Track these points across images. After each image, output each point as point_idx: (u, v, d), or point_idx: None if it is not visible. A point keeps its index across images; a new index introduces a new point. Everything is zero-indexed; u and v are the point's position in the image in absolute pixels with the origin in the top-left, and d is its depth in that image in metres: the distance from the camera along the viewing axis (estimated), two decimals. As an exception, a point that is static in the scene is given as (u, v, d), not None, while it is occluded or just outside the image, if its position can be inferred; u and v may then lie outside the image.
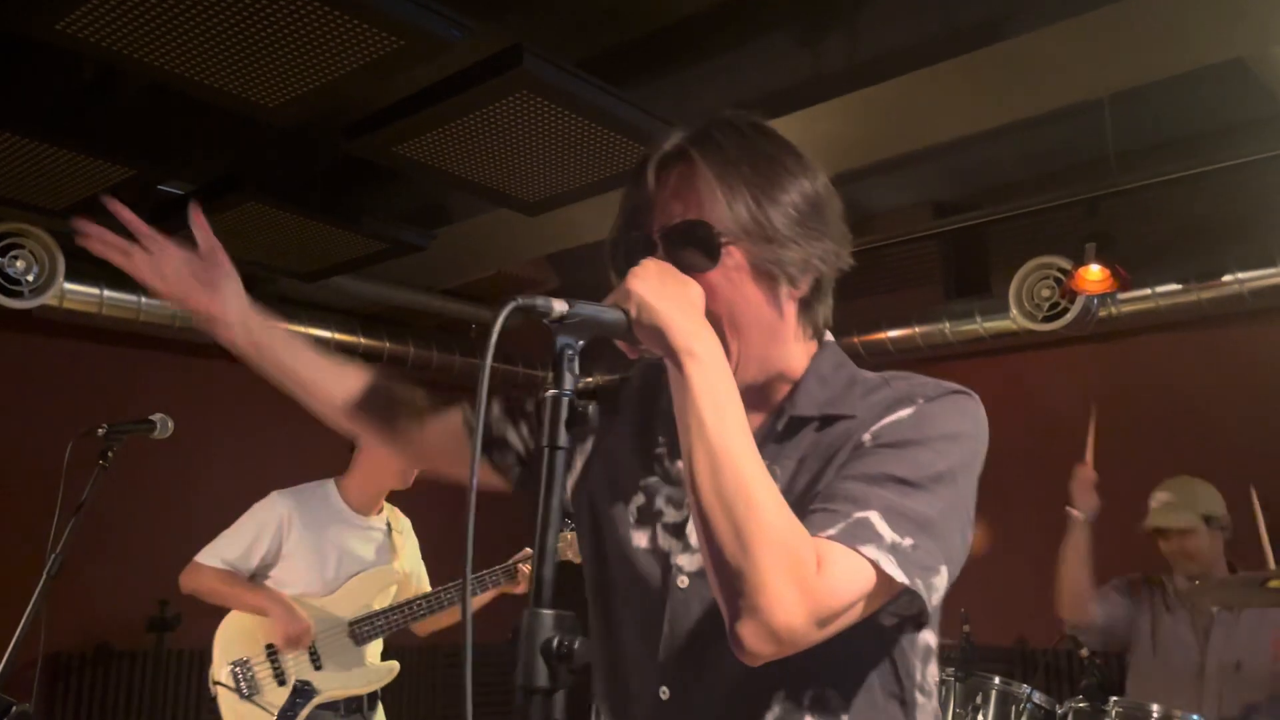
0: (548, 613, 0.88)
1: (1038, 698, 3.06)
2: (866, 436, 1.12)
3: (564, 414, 0.95)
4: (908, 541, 1.04)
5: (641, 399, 1.32)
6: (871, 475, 1.08)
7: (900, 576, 1.02)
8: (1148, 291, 4.38)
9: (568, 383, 0.96)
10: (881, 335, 5.05)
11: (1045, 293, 4.43)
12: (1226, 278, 4.18)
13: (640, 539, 1.23)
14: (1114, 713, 2.90)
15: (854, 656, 1.16)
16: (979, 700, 3.07)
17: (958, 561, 1.10)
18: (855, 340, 5.03)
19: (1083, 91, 3.26)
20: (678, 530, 1.21)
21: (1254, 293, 4.18)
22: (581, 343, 0.99)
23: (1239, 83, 3.32)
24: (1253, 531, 3.31)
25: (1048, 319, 4.46)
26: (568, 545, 3.34)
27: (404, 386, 1.42)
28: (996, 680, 3.11)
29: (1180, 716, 2.89)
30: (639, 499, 1.25)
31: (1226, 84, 3.36)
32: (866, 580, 1.02)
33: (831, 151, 3.57)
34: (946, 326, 4.87)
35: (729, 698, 1.14)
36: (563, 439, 0.95)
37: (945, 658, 3.31)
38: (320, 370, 1.38)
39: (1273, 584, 2.88)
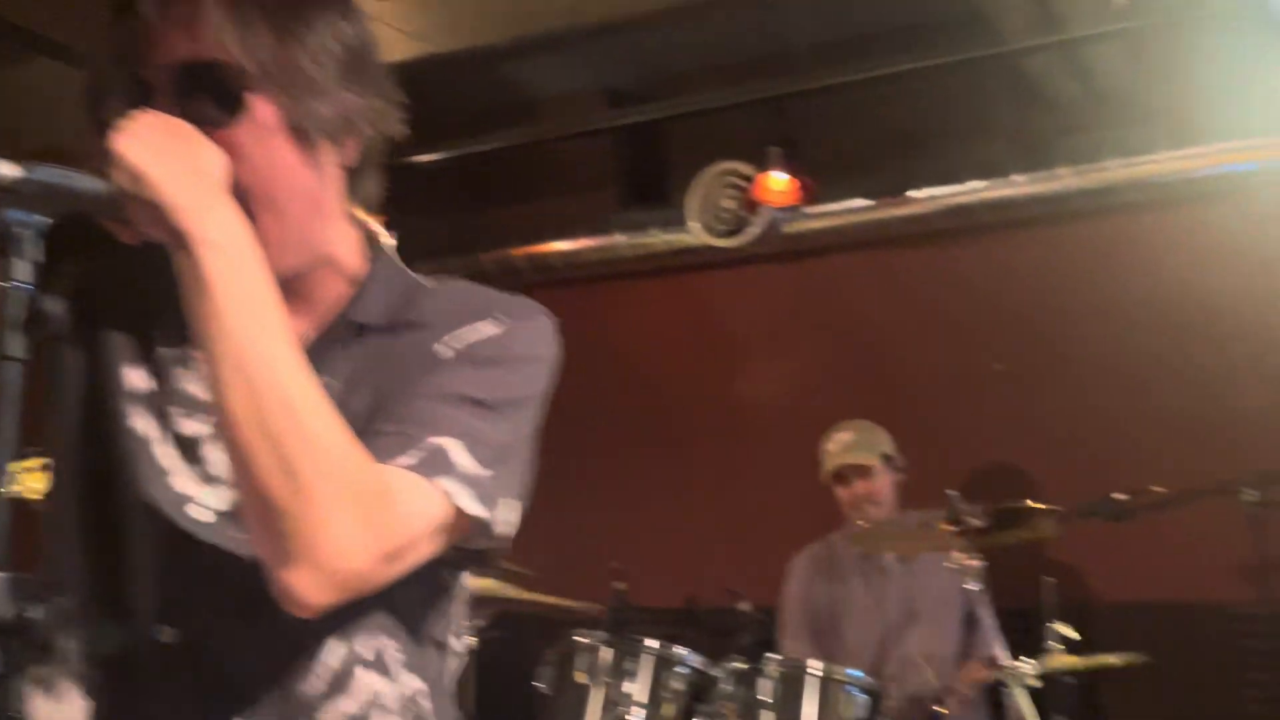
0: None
1: (694, 660, 3.32)
2: (442, 349, 1.15)
3: (19, 313, 0.91)
4: (486, 473, 1.10)
5: (136, 291, 1.23)
6: (449, 395, 1.12)
7: (479, 511, 1.09)
8: (836, 207, 4.77)
9: (22, 272, 0.91)
10: (546, 248, 5.15)
11: (727, 204, 4.72)
12: (916, 194, 4.65)
13: (147, 466, 1.18)
14: (773, 671, 3.21)
15: (411, 601, 1.20)
16: (629, 666, 3.28)
17: (527, 494, 1.19)
18: (514, 253, 5.09)
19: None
20: (191, 455, 1.18)
21: (945, 211, 4.67)
22: (46, 220, 0.93)
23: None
24: (927, 479, 3.78)
25: (730, 234, 4.75)
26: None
27: None
28: (649, 643, 3.32)
29: (842, 673, 3.28)
30: (142, 419, 1.20)
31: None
32: (443, 515, 1.07)
33: (481, 18, 3.57)
34: (621, 240, 5.05)
35: (263, 649, 1.14)
36: (17, 346, 0.91)
37: (593, 621, 3.53)
38: None
39: (942, 525, 3.31)
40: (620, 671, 3.27)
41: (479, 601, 3.92)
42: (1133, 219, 4.49)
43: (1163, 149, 4.28)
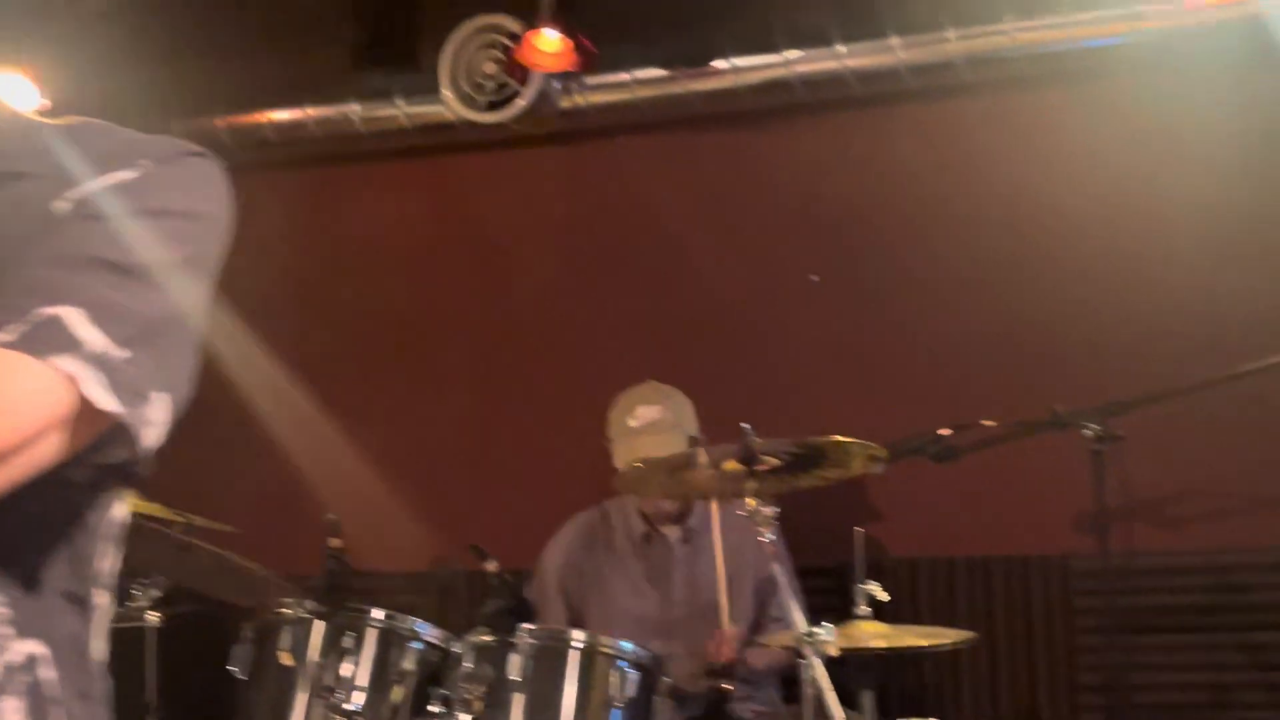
0: None
1: (430, 634, 3.31)
2: (63, 203, 1.12)
3: None
4: (123, 354, 1.06)
5: None
6: (72, 257, 1.09)
7: (110, 402, 1.04)
8: (624, 77, 4.78)
9: None
10: (258, 117, 5.06)
11: (489, 68, 4.68)
12: (720, 64, 4.68)
13: None
14: (526, 644, 3.21)
15: (17, 536, 1.15)
16: (349, 642, 3.26)
17: (183, 392, 1.15)
18: (216, 123, 4.98)
19: None
20: None
21: (754, 86, 4.70)
22: None
23: None
24: (720, 409, 3.82)
25: (492, 106, 4.70)
26: None
27: None
28: (374, 615, 3.32)
29: (610, 644, 3.32)
30: None
31: None
32: (61, 406, 1.03)
33: None
34: (356, 110, 4.97)
35: None
36: None
37: (305, 586, 3.48)
38: None
39: (729, 465, 3.34)
40: (336, 650, 3.30)
41: (162, 564, 3.82)
42: (973, 101, 4.59)
43: (1010, 18, 4.37)
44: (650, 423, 3.98)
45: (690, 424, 4.01)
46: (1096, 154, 4.46)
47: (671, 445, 3.85)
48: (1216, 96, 4.33)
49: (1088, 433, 3.67)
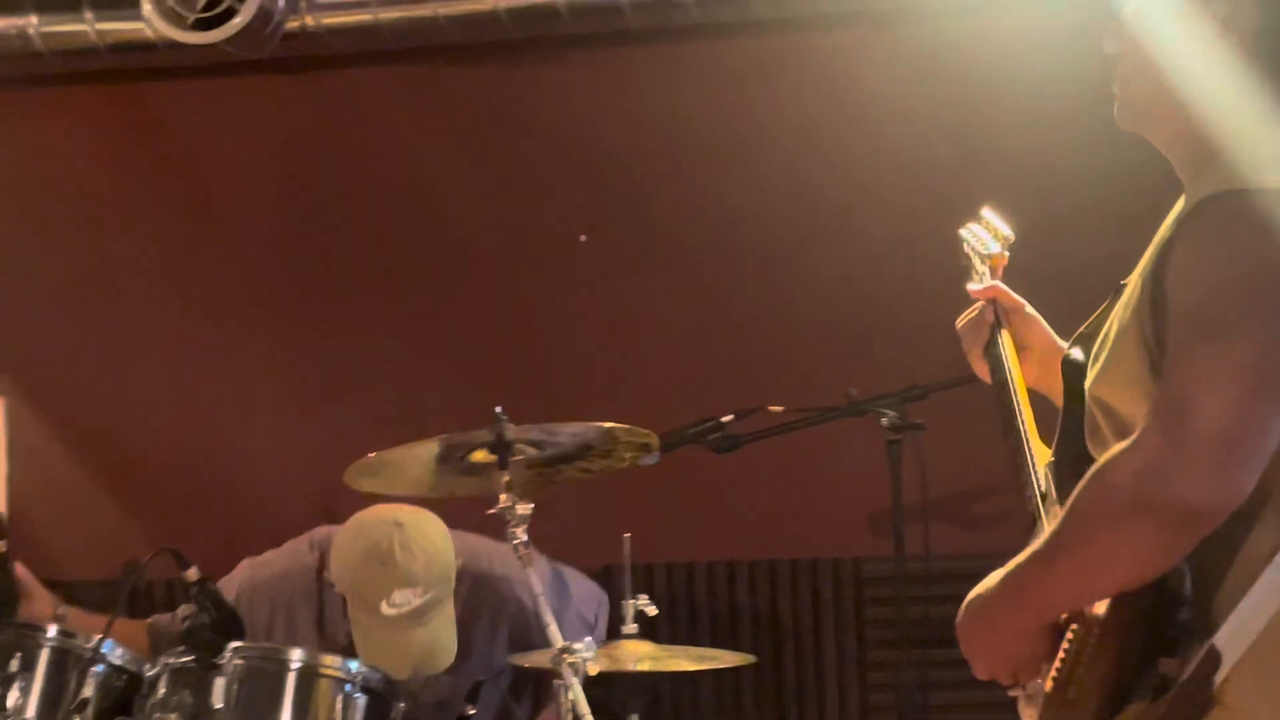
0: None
1: (115, 655, 3.25)
2: None
3: None
4: None
5: None
6: None
7: None
8: None
9: None
10: None
11: None
12: None
13: None
14: (233, 666, 3.18)
15: None
16: (16, 665, 3.21)
17: None
18: None
19: None
20: None
21: (515, 12, 4.74)
22: None
23: None
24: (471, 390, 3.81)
25: (202, 26, 4.61)
26: None
27: None
28: (48, 632, 3.27)
29: (332, 664, 3.33)
30: None
31: None
32: None
33: None
34: (34, 23, 4.86)
35: None
36: None
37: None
38: None
39: (478, 456, 3.33)
40: (4, 675, 3.22)
41: None
42: (769, 40, 4.70)
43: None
44: (412, 611, 3.66)
45: (452, 575, 3.77)
46: (903, 106, 4.60)
47: (439, 632, 3.69)
48: (1041, 47, 4.49)
49: (884, 421, 3.77)
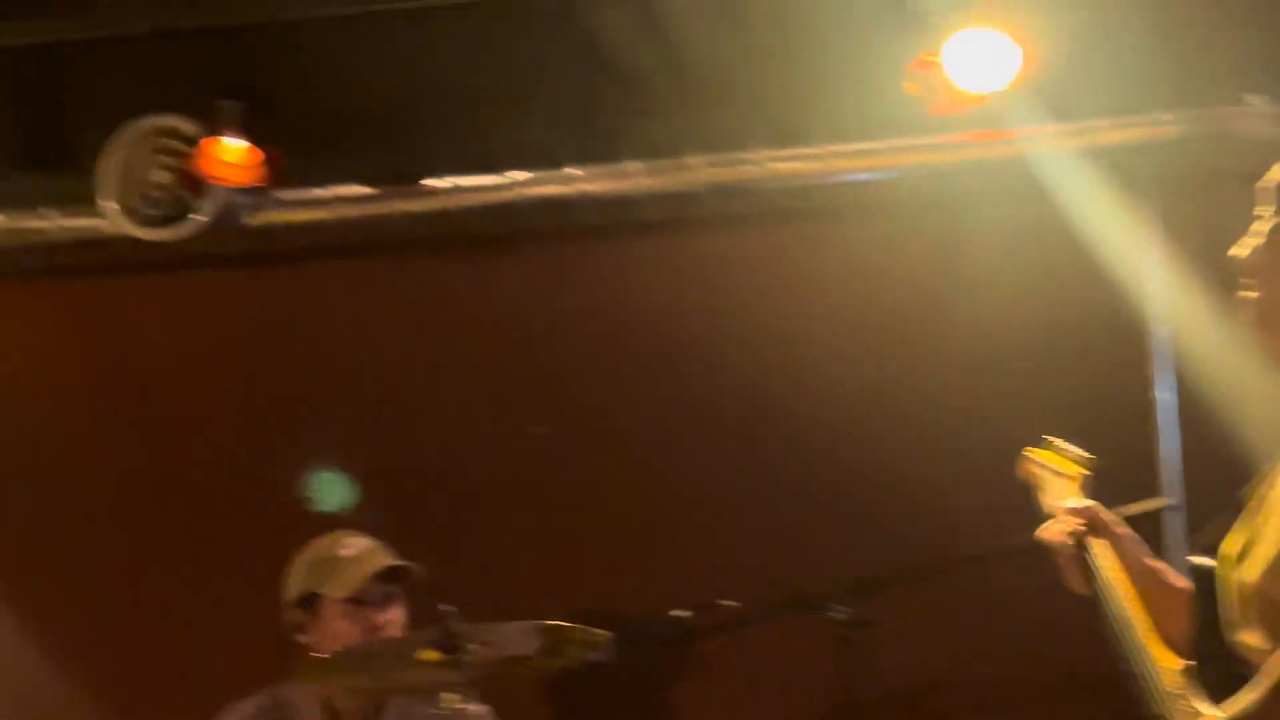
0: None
1: None
2: None
3: None
4: None
5: None
6: None
7: None
8: (324, 194, 4.91)
9: None
10: None
11: (160, 177, 4.76)
12: (435, 182, 4.84)
13: None
14: None
15: None
16: None
17: None
18: None
19: None
20: None
21: (478, 210, 4.85)
22: None
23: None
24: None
25: (164, 222, 4.78)
26: None
27: None
28: None
29: None
30: None
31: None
32: None
33: None
34: None
35: None
36: None
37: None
38: None
39: (425, 655, 3.33)
40: None
41: None
42: (721, 234, 4.82)
43: (759, 148, 4.64)
44: (367, 549, 3.93)
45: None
46: (854, 293, 4.72)
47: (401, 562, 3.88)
48: (982, 231, 4.63)
49: (837, 616, 3.79)
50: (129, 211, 4.76)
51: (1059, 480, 3.02)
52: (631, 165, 4.67)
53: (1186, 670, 2.42)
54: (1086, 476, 2.95)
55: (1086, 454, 2.98)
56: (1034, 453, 3.10)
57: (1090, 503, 2.85)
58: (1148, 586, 2.74)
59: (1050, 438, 3.07)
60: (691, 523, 4.62)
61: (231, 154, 4.61)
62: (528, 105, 4.91)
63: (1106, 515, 2.83)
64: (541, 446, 4.82)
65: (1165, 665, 2.50)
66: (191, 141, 4.67)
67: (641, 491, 4.69)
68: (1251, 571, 2.34)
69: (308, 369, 5.11)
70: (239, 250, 4.99)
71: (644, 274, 4.92)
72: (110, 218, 4.78)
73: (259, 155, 4.63)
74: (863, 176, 4.71)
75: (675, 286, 4.84)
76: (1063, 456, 3.06)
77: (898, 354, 4.70)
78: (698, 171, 4.68)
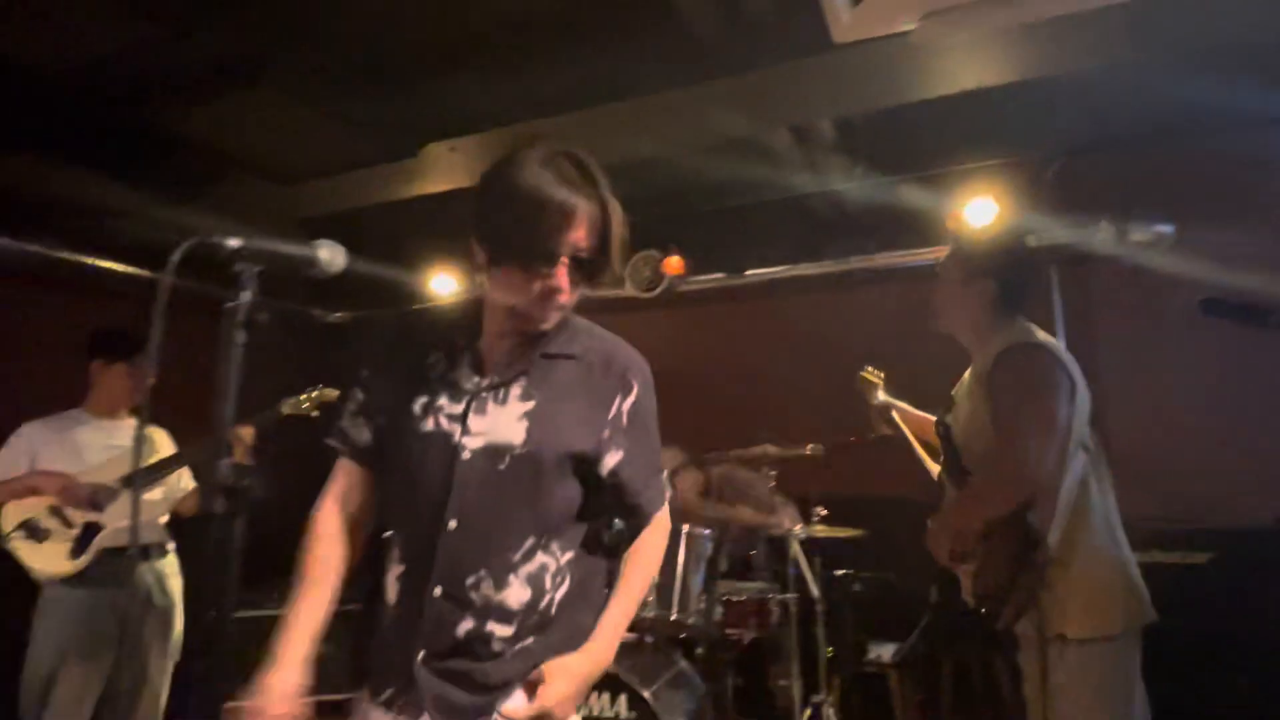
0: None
1: None
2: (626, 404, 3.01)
3: (242, 317, 2.30)
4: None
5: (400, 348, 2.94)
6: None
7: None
8: (702, 277, 8.60)
9: (244, 295, 2.26)
10: None
11: (647, 273, 8.55)
12: (751, 272, 8.53)
13: (428, 424, 2.72)
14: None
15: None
16: None
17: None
18: None
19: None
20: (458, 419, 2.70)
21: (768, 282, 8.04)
22: (259, 267, 2.23)
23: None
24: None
25: (650, 288, 8.53)
26: (310, 403, 5.85)
27: (343, 534, 3.01)
28: None
29: None
30: (421, 399, 2.76)
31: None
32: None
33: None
34: None
35: (494, 532, 2.71)
36: (240, 340, 2.30)
37: None
38: (327, 599, 2.99)
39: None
40: None
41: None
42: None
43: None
44: None
45: None
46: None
47: None
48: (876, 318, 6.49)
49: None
50: (635, 284, 8.34)
51: (873, 386, 4.73)
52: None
53: (941, 473, 3.86)
54: (884, 380, 4.55)
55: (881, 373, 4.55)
56: (865, 372, 4.83)
57: (888, 398, 4.55)
58: (921, 425, 4.37)
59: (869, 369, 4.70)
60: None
61: (673, 262, 8.24)
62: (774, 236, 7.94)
63: (896, 401, 4.54)
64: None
65: (933, 468, 4.04)
66: (659, 258, 8.38)
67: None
68: (959, 434, 3.63)
69: (702, 365, 7.77)
70: (674, 299, 8.06)
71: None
72: (629, 288, 8.28)
73: (682, 262, 8.25)
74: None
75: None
76: (872, 374, 4.73)
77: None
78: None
